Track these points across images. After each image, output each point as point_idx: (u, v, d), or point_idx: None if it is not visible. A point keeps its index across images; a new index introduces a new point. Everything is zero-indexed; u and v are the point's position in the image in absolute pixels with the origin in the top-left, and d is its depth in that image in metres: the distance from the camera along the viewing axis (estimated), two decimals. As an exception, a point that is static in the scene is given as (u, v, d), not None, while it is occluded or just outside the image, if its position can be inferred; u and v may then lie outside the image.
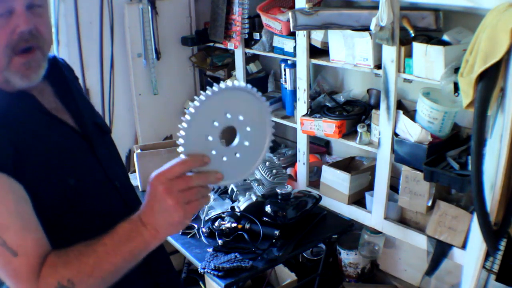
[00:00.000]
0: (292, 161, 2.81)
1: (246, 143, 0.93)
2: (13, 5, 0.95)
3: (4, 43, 0.96)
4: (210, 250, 1.92)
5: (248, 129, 0.93)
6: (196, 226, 2.08)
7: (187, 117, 0.87)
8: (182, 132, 0.86)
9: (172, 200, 0.85)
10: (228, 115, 0.90)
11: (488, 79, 1.32)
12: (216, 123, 0.89)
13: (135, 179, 2.54)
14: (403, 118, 2.01)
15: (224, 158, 0.92)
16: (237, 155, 0.93)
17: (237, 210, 2.09)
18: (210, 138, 0.89)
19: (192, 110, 0.87)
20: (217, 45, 2.93)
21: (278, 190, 2.09)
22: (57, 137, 1.09)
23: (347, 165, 2.58)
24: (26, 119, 1.03)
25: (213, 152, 0.90)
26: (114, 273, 0.93)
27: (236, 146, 0.93)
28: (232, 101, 0.91)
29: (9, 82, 1.02)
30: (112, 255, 0.91)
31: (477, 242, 1.50)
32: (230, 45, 2.78)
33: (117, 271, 0.94)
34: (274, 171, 2.15)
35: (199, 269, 1.85)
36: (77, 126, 1.14)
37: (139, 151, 2.51)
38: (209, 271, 1.82)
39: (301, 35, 2.33)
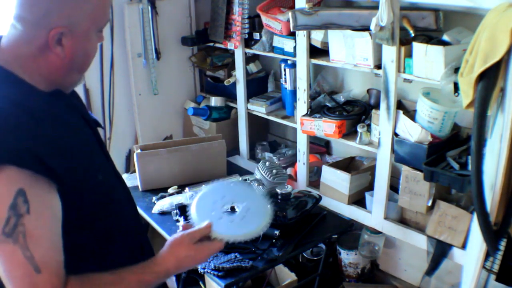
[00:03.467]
0: (292, 161, 2.81)
1: (248, 211, 1.28)
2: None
3: (95, 53, 1.09)
4: (210, 250, 1.92)
5: (246, 204, 1.29)
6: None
7: (193, 209, 1.25)
8: (193, 215, 1.24)
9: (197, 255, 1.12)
10: (226, 199, 1.28)
11: (488, 79, 1.32)
12: (217, 204, 1.27)
13: (135, 179, 2.54)
14: (403, 118, 2.01)
15: (232, 221, 1.25)
16: (244, 219, 1.26)
17: (237, 210, 2.09)
18: (214, 213, 1.25)
19: (194, 203, 1.27)
20: (217, 45, 2.93)
21: (278, 190, 2.09)
22: (85, 133, 1.14)
23: (347, 165, 2.58)
24: (63, 116, 1.06)
25: (221, 218, 1.25)
26: None
27: (239, 214, 1.27)
28: (227, 189, 1.36)
29: (77, 83, 1.12)
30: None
31: (477, 242, 1.50)
32: (230, 45, 2.78)
33: None
34: (274, 171, 2.14)
35: (199, 269, 1.85)
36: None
37: (139, 151, 2.51)
38: (209, 271, 1.82)
39: (301, 35, 2.33)
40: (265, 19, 2.50)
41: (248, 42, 2.72)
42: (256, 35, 2.65)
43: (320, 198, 2.23)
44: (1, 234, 0.89)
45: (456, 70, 1.70)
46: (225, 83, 2.94)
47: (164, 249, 1.08)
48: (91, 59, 1.08)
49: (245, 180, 2.42)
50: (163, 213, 2.24)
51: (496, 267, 1.52)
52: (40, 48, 0.99)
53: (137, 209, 1.34)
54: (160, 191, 2.42)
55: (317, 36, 2.31)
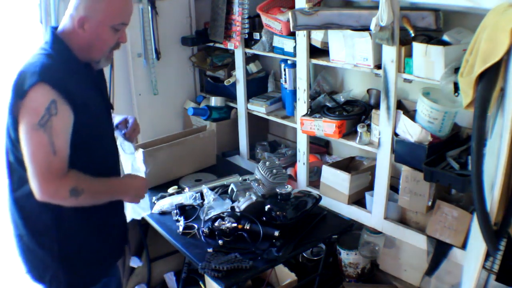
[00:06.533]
0: (292, 161, 2.81)
1: None
2: (127, 23, 1.59)
3: (111, 45, 1.59)
4: (210, 250, 1.92)
5: None
6: (196, 226, 2.08)
7: None
8: None
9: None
10: None
11: (488, 79, 1.32)
12: None
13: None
14: (403, 118, 2.01)
15: None
16: None
17: (237, 210, 2.09)
18: None
19: None
20: (217, 45, 2.93)
21: (278, 190, 2.09)
22: (96, 97, 1.63)
23: (347, 165, 2.58)
24: (82, 77, 1.57)
25: None
26: (98, 201, 1.58)
27: None
28: None
29: (99, 64, 1.64)
30: (106, 194, 1.60)
31: (477, 242, 1.50)
32: (230, 45, 2.78)
33: (100, 201, 1.59)
34: (274, 171, 2.14)
35: (199, 269, 1.85)
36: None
37: (141, 150, 2.51)
38: (209, 271, 1.82)
39: (301, 35, 2.33)
40: (265, 19, 2.50)
41: (248, 42, 2.72)
42: (256, 35, 2.65)
43: (320, 198, 2.23)
44: (37, 124, 1.38)
45: (456, 70, 1.70)
46: (225, 83, 2.94)
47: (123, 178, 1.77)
48: (105, 45, 1.57)
49: (245, 180, 2.42)
50: (163, 213, 2.24)
51: (496, 267, 1.52)
52: (74, 28, 1.53)
53: (119, 169, 1.84)
54: (161, 187, 2.43)
55: (317, 36, 2.31)
